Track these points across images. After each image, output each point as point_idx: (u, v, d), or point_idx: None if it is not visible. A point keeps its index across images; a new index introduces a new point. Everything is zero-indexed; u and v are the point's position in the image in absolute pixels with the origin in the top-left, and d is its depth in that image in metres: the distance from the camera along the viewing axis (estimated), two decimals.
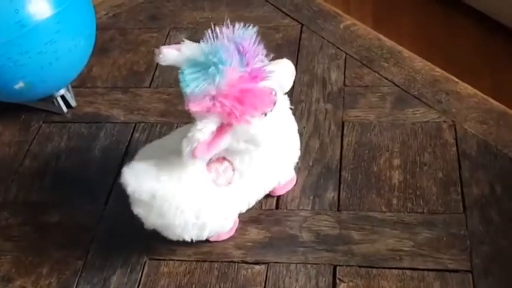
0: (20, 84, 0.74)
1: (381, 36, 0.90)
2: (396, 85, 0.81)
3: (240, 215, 0.68)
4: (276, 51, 0.90)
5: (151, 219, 0.59)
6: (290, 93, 0.82)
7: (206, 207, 0.60)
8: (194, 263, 0.64)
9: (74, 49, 0.77)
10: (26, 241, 0.68)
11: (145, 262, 0.65)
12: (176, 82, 0.86)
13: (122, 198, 0.71)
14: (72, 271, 0.65)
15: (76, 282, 0.64)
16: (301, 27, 0.93)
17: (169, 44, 0.92)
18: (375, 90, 0.81)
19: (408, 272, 0.61)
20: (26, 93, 0.77)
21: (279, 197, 0.70)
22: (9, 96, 0.78)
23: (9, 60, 0.71)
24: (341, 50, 0.88)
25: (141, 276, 0.63)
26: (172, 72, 0.89)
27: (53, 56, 0.74)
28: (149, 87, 0.87)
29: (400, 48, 0.88)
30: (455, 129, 0.74)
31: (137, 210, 0.59)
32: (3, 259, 0.67)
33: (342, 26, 0.92)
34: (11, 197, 0.73)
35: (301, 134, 0.77)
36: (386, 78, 0.83)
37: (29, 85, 0.75)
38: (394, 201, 0.67)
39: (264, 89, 0.57)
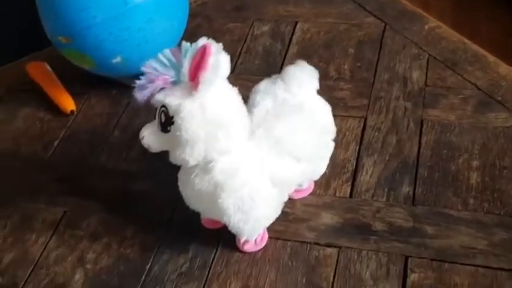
0: (117, 59, 0.79)
1: (466, 40, 0.90)
2: (479, 89, 0.81)
3: (314, 200, 0.70)
4: (357, 47, 0.92)
5: None
6: (369, 88, 0.84)
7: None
8: (268, 239, 0.67)
9: (169, 30, 0.81)
10: (113, 204, 0.73)
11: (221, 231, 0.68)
12: (258, 71, 0.91)
13: None
14: (155, 236, 0.68)
15: (158, 246, 0.68)
16: (385, 26, 0.94)
17: (253, 34, 0.96)
18: (457, 93, 0.81)
19: (481, 270, 0.61)
20: (121, 68, 0.82)
21: (353, 187, 0.71)
22: (106, 70, 0.84)
23: (111, 35, 0.76)
24: (424, 51, 0.88)
25: (218, 244, 0.67)
26: (255, 61, 0.93)
27: (150, 35, 0.78)
28: (232, 73, 0.90)
29: (485, 53, 0.88)
30: None
31: None
32: (92, 218, 0.72)
33: (426, 27, 0.93)
34: (101, 163, 0.78)
35: (378, 129, 0.78)
36: (470, 82, 0.83)
37: (125, 61, 0.80)
38: (471, 201, 0.68)
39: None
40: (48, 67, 0.91)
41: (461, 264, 0.62)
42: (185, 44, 0.56)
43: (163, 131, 0.57)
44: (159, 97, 0.56)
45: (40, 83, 0.89)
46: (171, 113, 0.56)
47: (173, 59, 0.56)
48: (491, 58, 0.86)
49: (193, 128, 0.56)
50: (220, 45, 0.56)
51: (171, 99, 0.56)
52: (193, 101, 0.55)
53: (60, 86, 0.88)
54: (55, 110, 0.87)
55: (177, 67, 0.56)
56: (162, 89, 0.56)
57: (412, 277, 0.61)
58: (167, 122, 0.56)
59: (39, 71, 0.90)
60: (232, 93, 0.59)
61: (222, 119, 0.57)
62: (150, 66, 0.56)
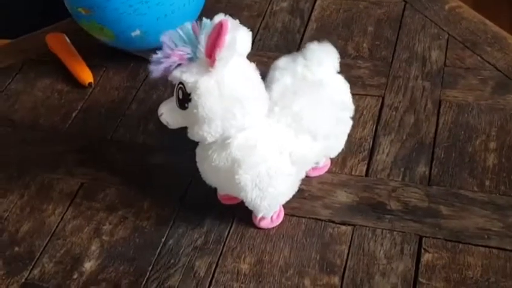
0: (136, 32, 0.79)
1: (487, 21, 0.89)
2: (498, 70, 0.81)
3: (330, 178, 0.70)
4: (376, 26, 0.91)
5: None
6: (388, 67, 0.84)
7: None
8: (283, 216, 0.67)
9: (188, 4, 0.81)
10: (130, 176, 0.74)
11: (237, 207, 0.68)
12: (276, 47, 0.91)
13: None
14: (170, 209, 0.69)
15: (173, 219, 0.68)
16: (405, 5, 0.93)
17: (271, 10, 0.95)
18: (476, 73, 0.81)
19: (495, 251, 0.61)
20: (139, 42, 0.82)
21: (369, 166, 0.71)
22: (124, 43, 0.84)
23: (130, 8, 0.76)
24: (444, 31, 0.87)
25: (233, 219, 0.67)
26: (273, 37, 0.92)
27: (169, 9, 0.78)
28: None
29: (505, 34, 0.87)
30: None
31: None
32: (109, 190, 0.72)
33: (447, 7, 0.91)
34: (118, 136, 0.79)
35: (396, 108, 0.78)
36: (489, 63, 0.82)
37: (144, 34, 0.80)
38: (487, 183, 0.68)
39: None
40: (67, 39, 0.91)
41: (475, 245, 0.62)
42: (205, 20, 0.56)
43: (181, 108, 0.57)
44: (176, 74, 0.56)
45: (59, 55, 0.90)
46: (188, 90, 0.56)
47: (192, 35, 0.56)
48: (511, 40, 0.85)
49: (210, 105, 0.56)
50: (237, 21, 0.56)
51: (188, 76, 0.56)
52: (210, 78, 0.55)
53: (78, 58, 0.88)
54: (73, 82, 0.87)
55: (194, 43, 0.56)
56: (179, 65, 0.56)
57: (426, 257, 0.62)
58: (185, 99, 0.56)
59: (58, 43, 0.91)
60: (250, 69, 0.59)
61: (238, 95, 0.57)
62: (168, 38, 0.56)
